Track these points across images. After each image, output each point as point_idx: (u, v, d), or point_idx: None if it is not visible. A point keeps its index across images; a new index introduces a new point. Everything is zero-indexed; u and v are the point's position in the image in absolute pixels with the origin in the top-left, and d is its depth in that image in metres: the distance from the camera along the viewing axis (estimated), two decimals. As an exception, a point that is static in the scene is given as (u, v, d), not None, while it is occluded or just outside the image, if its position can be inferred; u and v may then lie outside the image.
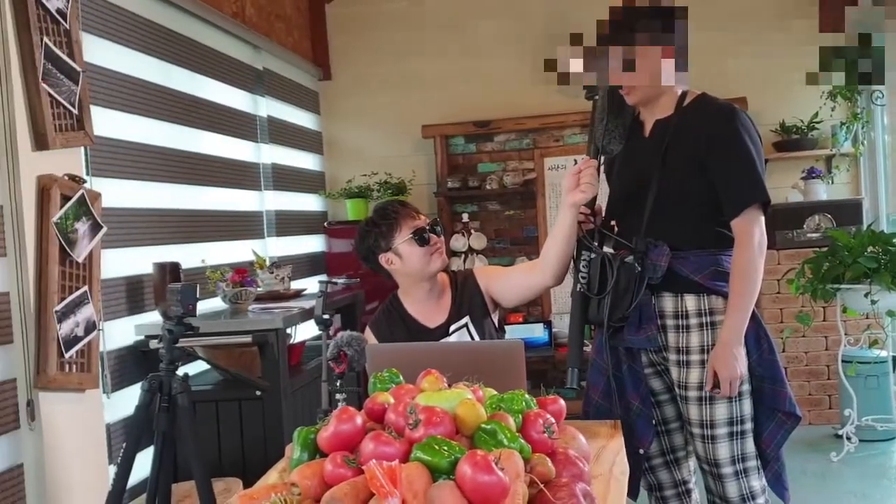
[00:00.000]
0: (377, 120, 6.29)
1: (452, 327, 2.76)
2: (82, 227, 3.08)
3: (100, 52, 3.52)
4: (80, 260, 3.07)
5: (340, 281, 5.53)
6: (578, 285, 2.53)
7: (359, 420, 1.58)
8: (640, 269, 2.43)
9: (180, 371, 2.71)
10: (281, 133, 5.60)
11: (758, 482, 2.51)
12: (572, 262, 2.61)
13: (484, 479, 1.35)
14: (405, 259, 2.75)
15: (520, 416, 1.67)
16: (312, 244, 6.00)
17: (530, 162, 6.10)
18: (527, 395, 1.77)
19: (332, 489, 1.39)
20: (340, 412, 1.58)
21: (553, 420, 1.68)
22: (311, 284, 5.26)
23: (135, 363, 3.54)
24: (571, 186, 2.51)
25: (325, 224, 6.10)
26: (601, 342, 2.62)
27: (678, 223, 2.48)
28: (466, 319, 2.77)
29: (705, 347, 2.47)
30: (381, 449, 1.47)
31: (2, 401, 2.79)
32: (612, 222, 2.59)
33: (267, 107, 5.36)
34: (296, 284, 4.74)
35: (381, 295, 5.59)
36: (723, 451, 2.47)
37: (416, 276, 2.77)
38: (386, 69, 6.20)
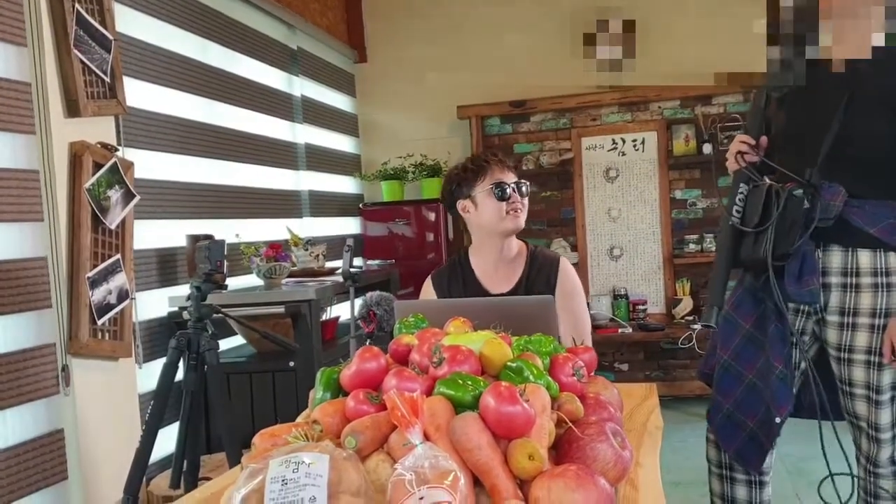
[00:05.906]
0: (412, 102, 6.26)
1: None
2: (115, 194, 3.08)
3: (135, 24, 3.52)
4: (113, 227, 3.08)
5: (375, 263, 5.52)
6: (731, 219, 2.33)
7: (382, 360, 1.53)
8: (808, 205, 2.23)
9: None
10: (316, 114, 5.59)
11: None
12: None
13: (508, 409, 1.28)
14: (480, 208, 2.64)
15: (548, 359, 1.61)
16: (348, 226, 5.99)
17: (567, 142, 6.01)
18: (556, 342, 1.71)
19: (352, 423, 1.35)
20: (363, 351, 1.53)
21: (583, 364, 1.62)
22: (347, 264, 5.23)
23: (167, 335, 3.54)
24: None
25: (361, 206, 6.07)
26: (741, 296, 2.46)
27: (856, 166, 2.27)
28: None
29: (878, 311, 2.30)
30: (405, 384, 1.41)
31: (42, 365, 2.80)
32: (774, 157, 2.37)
33: (301, 87, 5.35)
34: (331, 265, 4.71)
35: (416, 279, 5.55)
36: (885, 416, 2.35)
37: (487, 229, 2.66)
38: (421, 51, 6.17)
